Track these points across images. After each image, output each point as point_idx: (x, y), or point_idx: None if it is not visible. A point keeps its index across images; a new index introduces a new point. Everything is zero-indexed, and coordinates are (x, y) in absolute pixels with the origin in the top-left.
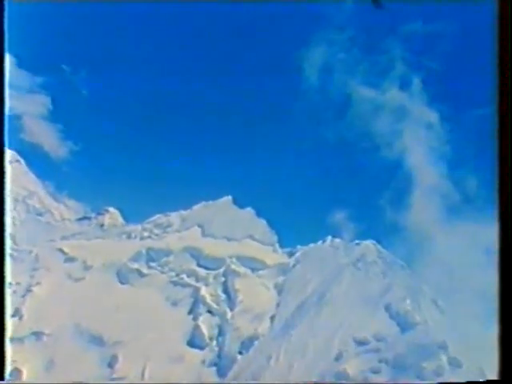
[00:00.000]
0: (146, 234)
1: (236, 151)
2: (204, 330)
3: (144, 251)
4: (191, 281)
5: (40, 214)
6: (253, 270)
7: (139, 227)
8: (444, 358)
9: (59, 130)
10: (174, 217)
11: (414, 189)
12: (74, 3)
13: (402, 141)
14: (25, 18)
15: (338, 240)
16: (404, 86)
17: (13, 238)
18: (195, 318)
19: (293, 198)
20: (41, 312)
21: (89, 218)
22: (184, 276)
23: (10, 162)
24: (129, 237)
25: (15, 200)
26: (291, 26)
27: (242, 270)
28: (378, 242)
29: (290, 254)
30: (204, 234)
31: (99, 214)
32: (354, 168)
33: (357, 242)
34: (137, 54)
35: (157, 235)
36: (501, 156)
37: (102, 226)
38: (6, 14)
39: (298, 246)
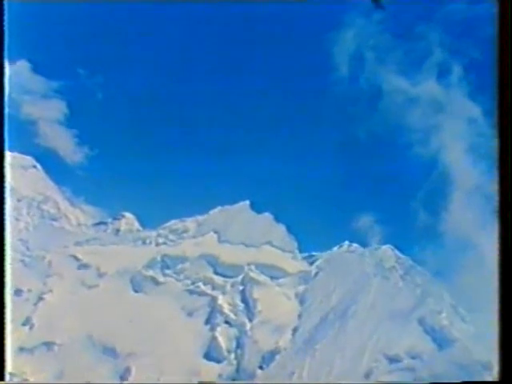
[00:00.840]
0: (161, 240)
1: (253, 153)
2: (221, 342)
3: (159, 258)
4: (208, 289)
5: (55, 220)
6: (272, 278)
7: (154, 233)
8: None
9: (75, 134)
10: (190, 222)
11: (451, 190)
12: (87, 6)
13: (439, 137)
14: (39, 23)
15: (355, 245)
16: (442, 75)
17: (25, 243)
18: (212, 329)
19: (314, 201)
20: (52, 321)
21: (105, 223)
22: (200, 284)
23: (27, 168)
24: (144, 243)
25: (29, 205)
26: (317, 10)
27: (260, 278)
28: (410, 248)
29: (311, 261)
30: (220, 240)
31: (115, 218)
32: (383, 167)
33: (381, 247)
34: (153, 55)
35: (172, 241)
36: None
37: (117, 231)
38: (6, 14)
39: (320, 253)
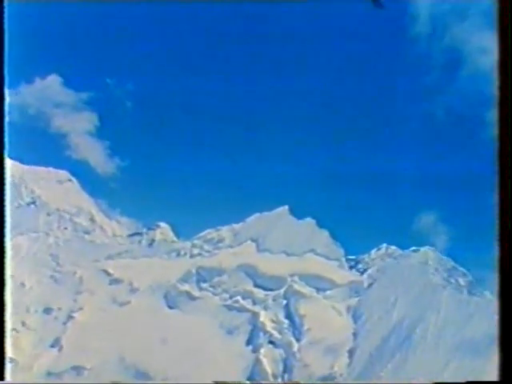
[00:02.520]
0: (195, 251)
1: (290, 155)
2: (266, 365)
3: (194, 270)
4: (248, 304)
5: (87, 233)
6: (318, 290)
7: (188, 244)
8: None
9: (106, 146)
10: (226, 231)
11: None
12: (109, 18)
13: None
14: (68, 40)
15: (393, 247)
16: None
17: (56, 258)
18: (255, 350)
19: (360, 204)
20: (82, 342)
21: (140, 234)
22: (239, 298)
23: (61, 182)
24: (178, 255)
25: (60, 219)
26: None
27: (306, 290)
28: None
29: (362, 270)
30: (259, 250)
31: (150, 229)
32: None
33: (420, 248)
34: (180, 60)
35: (208, 252)
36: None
37: (153, 240)
38: (6, 14)
39: (371, 261)
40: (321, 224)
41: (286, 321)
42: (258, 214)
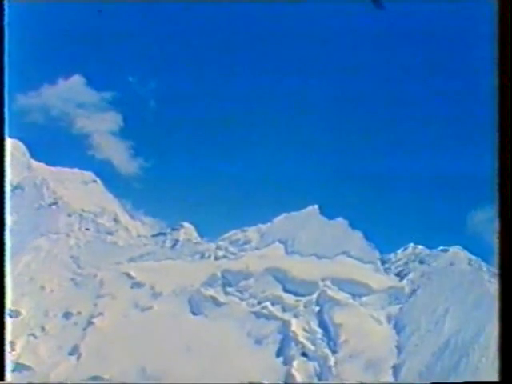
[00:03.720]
0: (220, 252)
1: (319, 151)
2: (299, 379)
3: (219, 274)
4: (277, 311)
5: (110, 233)
6: (354, 296)
7: (213, 245)
8: None
9: (130, 146)
10: (252, 232)
11: None
12: (128, 15)
13: None
14: (91, 39)
15: (420, 247)
16: None
17: (77, 260)
18: (287, 362)
19: (396, 202)
20: (102, 350)
21: (164, 234)
22: (268, 304)
23: (86, 183)
24: (202, 256)
25: (83, 219)
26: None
27: (339, 296)
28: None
29: (401, 275)
30: (288, 252)
31: (174, 229)
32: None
33: (449, 248)
34: (204, 56)
35: (233, 254)
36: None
37: (176, 241)
38: (6, 14)
39: (410, 263)
40: (353, 224)
41: (320, 330)
42: (286, 213)
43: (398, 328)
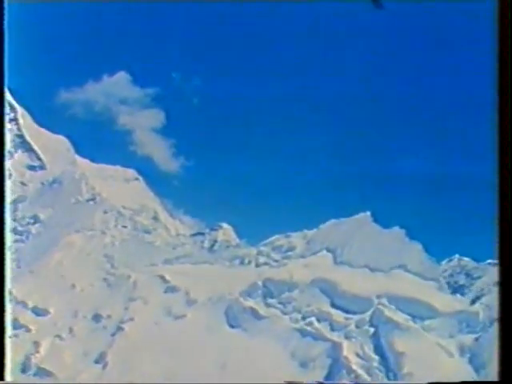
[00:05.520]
0: (262, 259)
1: (371, 153)
2: None
3: (260, 283)
4: (325, 329)
5: (148, 232)
6: (414, 317)
7: (254, 250)
8: None
9: (172, 144)
10: (297, 238)
11: None
12: (181, 11)
13: None
14: (136, 36)
15: (466, 259)
16: None
17: (111, 259)
18: None
19: (462, 210)
20: (130, 360)
21: (203, 234)
22: (313, 320)
23: (128, 180)
24: (242, 262)
25: (120, 216)
26: None
27: (398, 317)
28: None
29: (473, 298)
30: (336, 262)
31: (213, 229)
32: None
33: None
34: (249, 54)
35: (276, 261)
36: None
37: (215, 241)
38: (6, 14)
39: (483, 285)
40: (412, 235)
41: (376, 357)
42: (335, 219)
43: (476, 364)
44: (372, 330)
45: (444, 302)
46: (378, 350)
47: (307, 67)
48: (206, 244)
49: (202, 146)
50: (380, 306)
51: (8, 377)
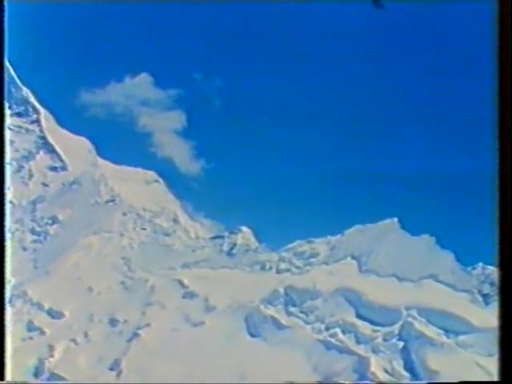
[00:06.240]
0: (283, 265)
1: (398, 155)
2: None
3: (282, 290)
4: (350, 341)
5: (167, 235)
6: (447, 332)
7: (275, 256)
8: None
9: (192, 146)
10: (320, 244)
11: None
12: (202, 11)
13: None
14: (157, 36)
15: (490, 268)
16: None
17: (128, 262)
18: None
19: (486, 216)
20: (145, 368)
21: (222, 237)
22: (338, 332)
23: (149, 182)
24: (262, 268)
25: (139, 218)
26: None
27: (430, 331)
28: None
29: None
30: (362, 270)
31: (232, 232)
32: None
33: None
34: (271, 54)
35: (298, 268)
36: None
37: (234, 245)
38: (6, 14)
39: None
40: (442, 243)
41: (407, 374)
42: (360, 225)
43: None
44: (401, 344)
45: (479, 316)
46: (409, 366)
47: (328, 67)
48: (225, 247)
49: (223, 148)
50: (409, 319)
51: (8, 377)
